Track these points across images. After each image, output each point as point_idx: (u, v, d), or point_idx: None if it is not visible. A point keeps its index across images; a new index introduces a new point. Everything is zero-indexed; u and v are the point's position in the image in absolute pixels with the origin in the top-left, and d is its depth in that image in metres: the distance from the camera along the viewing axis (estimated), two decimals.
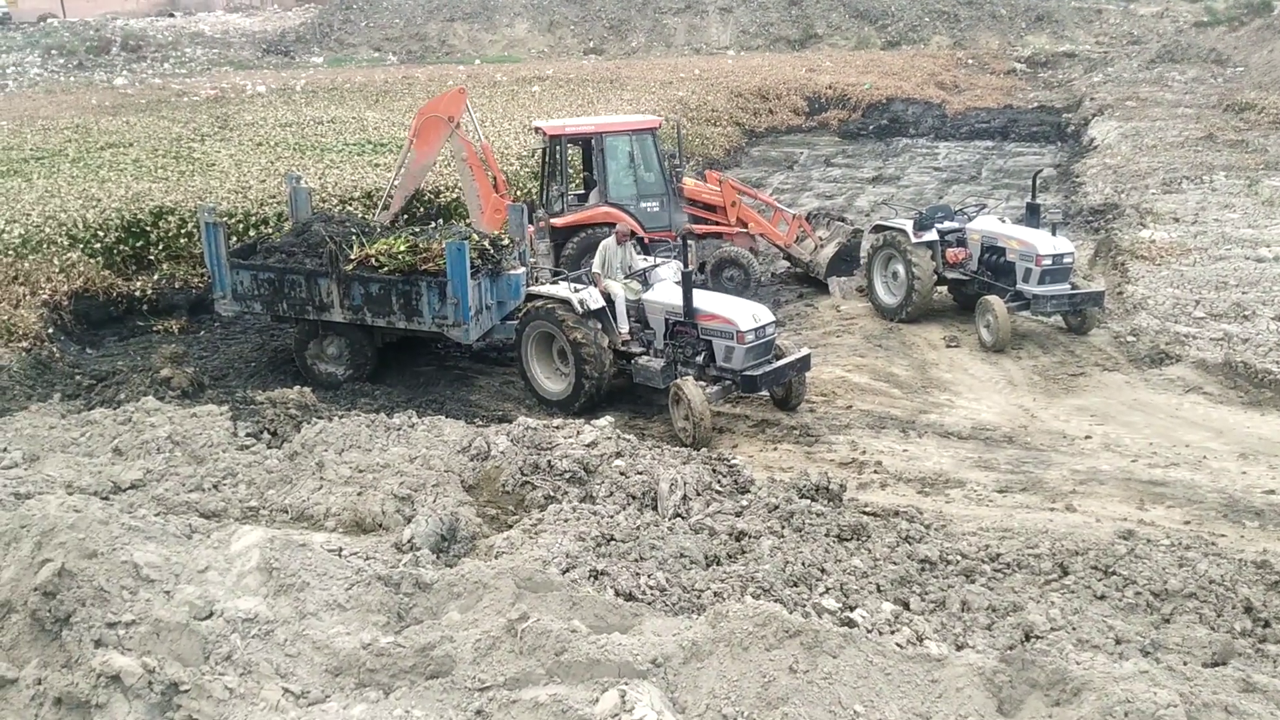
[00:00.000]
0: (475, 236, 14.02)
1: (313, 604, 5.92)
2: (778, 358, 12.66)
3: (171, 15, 62.00)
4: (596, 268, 13.49)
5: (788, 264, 19.24)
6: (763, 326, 12.48)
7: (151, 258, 17.16)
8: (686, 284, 12.58)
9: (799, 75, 37.73)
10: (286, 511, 8.85)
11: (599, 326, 12.86)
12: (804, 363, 12.77)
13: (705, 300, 12.88)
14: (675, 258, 13.60)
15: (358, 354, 14.01)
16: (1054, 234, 15.39)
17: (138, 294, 16.56)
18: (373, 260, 13.46)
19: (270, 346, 15.54)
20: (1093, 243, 19.46)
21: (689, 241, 13.01)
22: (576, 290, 12.94)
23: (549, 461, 9.52)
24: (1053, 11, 51.13)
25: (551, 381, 13.37)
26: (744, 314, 12.52)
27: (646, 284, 13.51)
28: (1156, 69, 37.81)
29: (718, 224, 18.06)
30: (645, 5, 53.29)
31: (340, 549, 7.31)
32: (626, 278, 13.55)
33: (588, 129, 17.58)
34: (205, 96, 34.77)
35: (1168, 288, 15.79)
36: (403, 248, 13.45)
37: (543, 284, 13.85)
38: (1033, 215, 16.06)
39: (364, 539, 8.16)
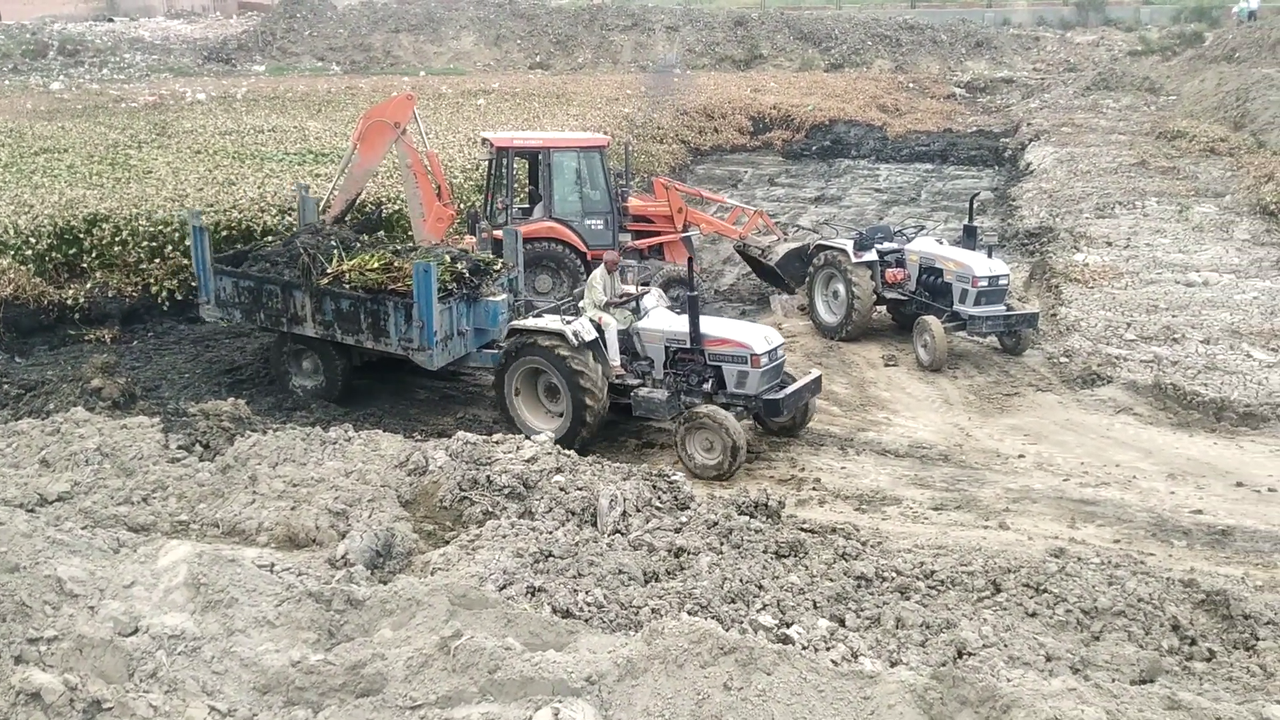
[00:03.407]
0: (449, 259, 13.48)
1: (241, 620, 5.82)
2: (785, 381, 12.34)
3: (111, 20, 60.87)
4: (598, 298, 12.77)
5: (739, 266, 19.45)
6: (775, 349, 12.12)
7: (84, 266, 16.80)
8: (693, 308, 12.06)
9: (744, 95, 38.01)
10: (218, 526, 8.69)
11: (594, 359, 12.16)
12: (817, 384, 12.52)
13: (712, 325, 12.41)
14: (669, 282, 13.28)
15: (329, 371, 13.78)
16: (990, 256, 15.67)
17: (69, 302, 16.17)
18: (346, 276, 13.25)
19: (204, 358, 15.28)
20: (1028, 265, 19.82)
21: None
22: (568, 322, 12.21)
23: (488, 477, 9.45)
24: (992, 38, 52.12)
25: (540, 420, 12.58)
26: (756, 337, 12.11)
27: (637, 312, 12.93)
28: (1091, 96, 38.62)
29: (660, 232, 18.03)
30: (592, 22, 53.47)
31: (272, 565, 7.19)
32: (615, 306, 12.87)
33: (535, 143, 17.58)
34: (143, 103, 34.18)
35: (1100, 310, 16.11)
36: (376, 265, 13.18)
37: (526, 317, 12.93)
38: (970, 237, 16.36)
39: (297, 554, 8.03)
